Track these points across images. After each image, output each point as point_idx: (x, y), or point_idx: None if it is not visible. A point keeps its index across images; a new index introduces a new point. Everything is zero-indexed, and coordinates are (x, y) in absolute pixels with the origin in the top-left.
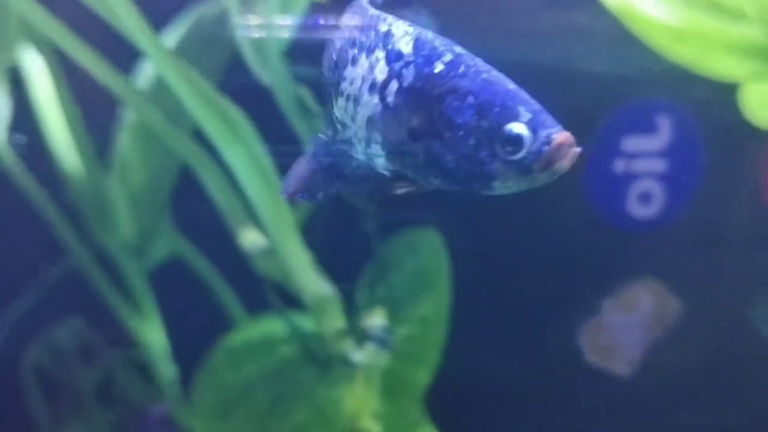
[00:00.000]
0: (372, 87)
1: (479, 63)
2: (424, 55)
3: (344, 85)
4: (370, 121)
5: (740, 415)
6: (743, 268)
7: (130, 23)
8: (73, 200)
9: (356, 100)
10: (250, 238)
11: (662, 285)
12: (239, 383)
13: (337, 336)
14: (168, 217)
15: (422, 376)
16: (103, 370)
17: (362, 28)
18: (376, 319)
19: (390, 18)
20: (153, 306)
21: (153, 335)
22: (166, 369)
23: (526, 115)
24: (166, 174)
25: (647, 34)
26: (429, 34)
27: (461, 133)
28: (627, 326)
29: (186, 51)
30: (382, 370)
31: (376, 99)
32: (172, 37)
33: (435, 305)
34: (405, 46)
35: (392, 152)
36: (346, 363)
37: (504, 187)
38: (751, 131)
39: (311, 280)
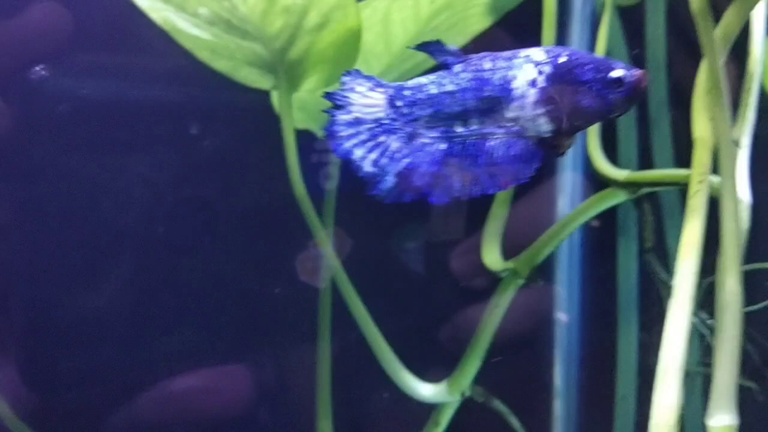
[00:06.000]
0: (532, 83)
1: (579, 51)
2: (553, 55)
3: (514, 92)
4: (536, 103)
5: None
6: None
7: None
8: None
9: (523, 96)
10: None
11: None
12: None
13: None
14: None
15: None
16: None
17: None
18: None
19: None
20: None
21: None
22: None
23: (617, 65)
24: None
25: (194, 50)
26: (551, 47)
27: (591, 85)
28: None
29: None
30: None
31: (534, 90)
32: None
33: None
34: (541, 56)
35: (552, 115)
36: None
37: (618, 112)
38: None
39: None
